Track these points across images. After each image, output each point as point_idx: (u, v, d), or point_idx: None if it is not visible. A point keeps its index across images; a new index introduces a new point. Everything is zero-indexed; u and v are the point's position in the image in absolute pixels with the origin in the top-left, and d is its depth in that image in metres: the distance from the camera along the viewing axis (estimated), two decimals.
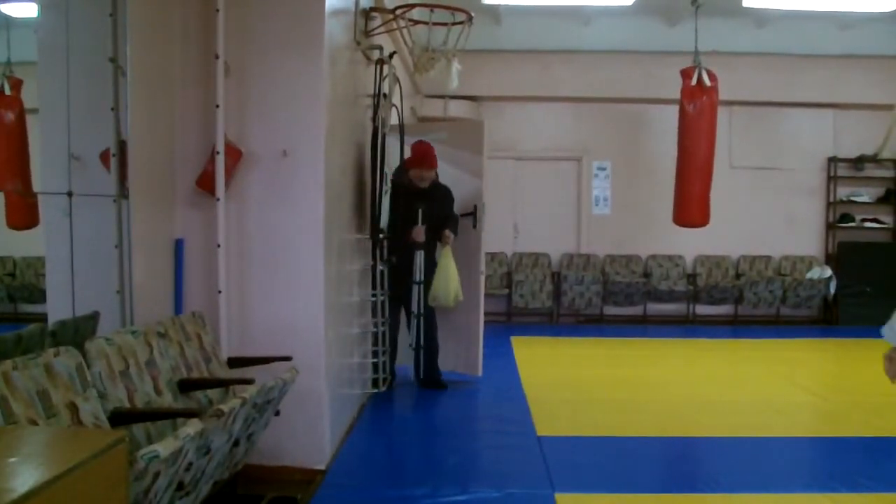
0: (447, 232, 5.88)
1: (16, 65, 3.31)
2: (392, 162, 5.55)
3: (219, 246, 3.87)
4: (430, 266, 5.93)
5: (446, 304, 5.90)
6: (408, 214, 5.77)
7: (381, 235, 5.28)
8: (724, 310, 10.16)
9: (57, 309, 3.15)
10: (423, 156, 5.81)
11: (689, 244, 9.86)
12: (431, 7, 5.31)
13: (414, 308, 5.95)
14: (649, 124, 10.07)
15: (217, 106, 3.81)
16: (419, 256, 5.90)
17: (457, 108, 9.53)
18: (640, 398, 5.90)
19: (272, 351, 3.83)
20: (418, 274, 5.91)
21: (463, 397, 5.75)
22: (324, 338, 4.05)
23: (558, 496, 3.70)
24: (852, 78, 9.79)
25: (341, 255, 4.57)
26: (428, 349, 6.02)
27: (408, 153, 5.84)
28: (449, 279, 5.85)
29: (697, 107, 7.50)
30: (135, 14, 3.36)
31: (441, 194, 5.95)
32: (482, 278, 6.16)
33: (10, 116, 3.38)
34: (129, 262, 3.34)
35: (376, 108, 5.18)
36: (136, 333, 3.08)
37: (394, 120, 5.59)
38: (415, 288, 5.92)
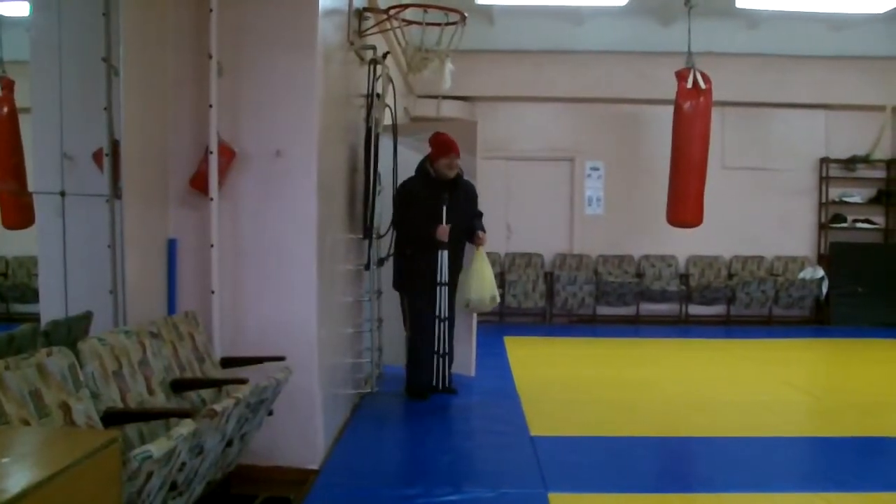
0: (481, 233, 5.68)
1: (8, 64, 3.31)
2: (385, 162, 5.54)
3: (212, 246, 3.87)
4: (455, 267, 5.68)
5: (481, 308, 5.81)
6: (432, 209, 5.47)
7: (378, 234, 5.27)
8: (716, 310, 10.19)
9: (49, 309, 3.15)
10: (449, 144, 5.52)
11: (682, 244, 9.88)
12: (425, 7, 5.31)
13: (438, 312, 5.57)
14: (642, 125, 10.10)
15: (210, 106, 3.81)
16: (443, 256, 5.53)
17: (450, 109, 9.54)
18: (633, 398, 5.91)
19: (265, 351, 3.82)
20: (442, 275, 5.54)
21: (456, 397, 5.74)
22: (317, 337, 4.05)
23: (551, 496, 3.71)
24: (844, 79, 9.83)
25: (334, 254, 4.57)
26: (448, 354, 5.69)
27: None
28: (484, 281, 5.66)
29: (692, 108, 7.52)
30: (128, 13, 3.36)
31: (467, 188, 5.73)
32: None
33: (2, 116, 3.37)
34: (122, 262, 3.34)
35: (370, 108, 5.18)
36: (128, 333, 3.07)
37: (387, 120, 5.59)
38: (438, 290, 5.55)
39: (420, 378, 5.65)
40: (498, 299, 5.83)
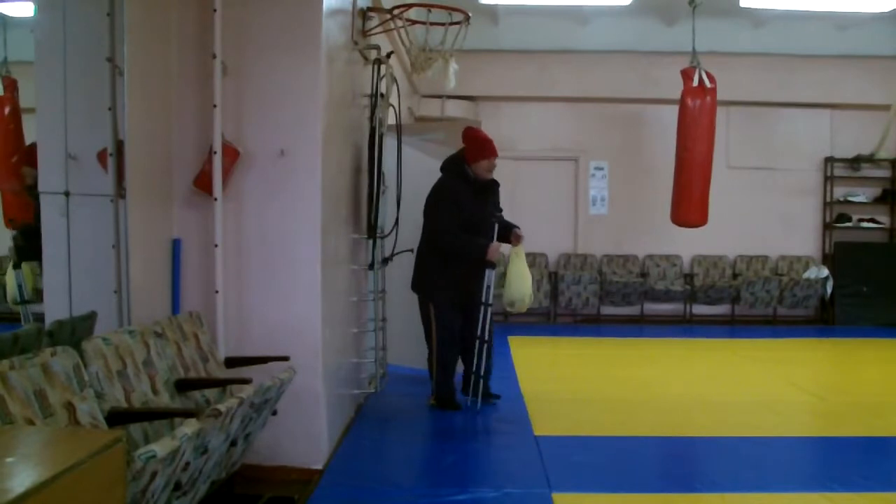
0: (518, 231, 5.46)
1: (13, 64, 3.31)
2: (389, 162, 5.52)
3: (216, 246, 3.87)
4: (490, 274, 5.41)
5: (521, 308, 5.63)
6: (478, 220, 5.24)
7: (381, 234, 5.26)
8: (721, 310, 10.17)
9: (54, 309, 3.15)
10: (489, 144, 5.25)
11: (686, 244, 9.87)
12: (429, 7, 5.30)
13: (481, 333, 5.32)
14: (647, 124, 10.08)
15: (214, 106, 3.81)
16: (490, 276, 5.32)
17: (454, 108, 9.54)
18: (638, 398, 5.91)
19: (269, 351, 3.83)
20: (488, 295, 5.31)
21: (460, 398, 5.73)
22: (321, 337, 4.05)
23: (555, 496, 3.70)
24: (849, 78, 9.80)
25: (338, 254, 4.57)
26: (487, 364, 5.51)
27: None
28: (524, 280, 5.48)
29: (697, 107, 7.51)
30: (132, 14, 3.36)
31: (497, 187, 5.49)
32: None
33: (4, 116, 3.38)
34: (126, 262, 3.34)
35: (374, 108, 5.17)
36: (133, 333, 3.07)
37: (391, 120, 5.58)
38: (483, 311, 5.32)
39: (451, 388, 5.45)
40: (532, 298, 5.64)
